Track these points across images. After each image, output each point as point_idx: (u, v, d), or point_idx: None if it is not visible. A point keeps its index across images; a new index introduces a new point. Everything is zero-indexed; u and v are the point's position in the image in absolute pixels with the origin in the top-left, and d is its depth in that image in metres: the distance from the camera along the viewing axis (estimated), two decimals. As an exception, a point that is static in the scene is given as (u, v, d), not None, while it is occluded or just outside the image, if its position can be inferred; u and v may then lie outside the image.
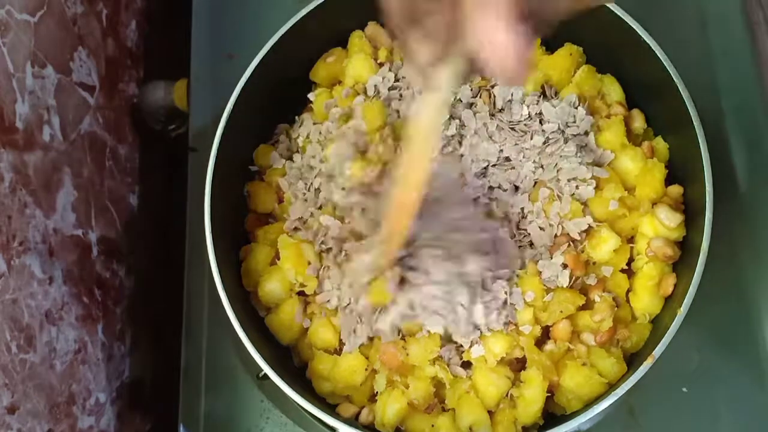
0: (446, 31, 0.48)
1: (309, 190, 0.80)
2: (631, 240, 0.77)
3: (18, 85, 0.73)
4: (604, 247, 0.74)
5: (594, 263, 0.76)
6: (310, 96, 0.85)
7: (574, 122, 0.78)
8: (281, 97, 0.84)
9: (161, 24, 1.08)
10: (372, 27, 0.84)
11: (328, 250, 0.77)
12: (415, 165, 0.63)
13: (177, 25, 1.00)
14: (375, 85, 0.81)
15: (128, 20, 1.01)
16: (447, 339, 0.74)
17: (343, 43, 0.85)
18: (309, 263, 0.76)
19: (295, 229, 0.79)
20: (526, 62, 0.44)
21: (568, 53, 0.81)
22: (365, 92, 0.81)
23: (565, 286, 0.73)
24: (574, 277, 0.74)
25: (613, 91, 0.81)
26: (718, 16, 0.92)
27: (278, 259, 0.76)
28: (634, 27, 0.75)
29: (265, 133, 0.86)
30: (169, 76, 0.99)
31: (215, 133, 0.77)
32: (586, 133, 0.78)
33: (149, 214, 1.01)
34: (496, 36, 0.43)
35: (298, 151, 0.84)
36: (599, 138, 0.78)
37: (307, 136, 0.83)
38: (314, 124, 0.84)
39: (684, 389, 0.81)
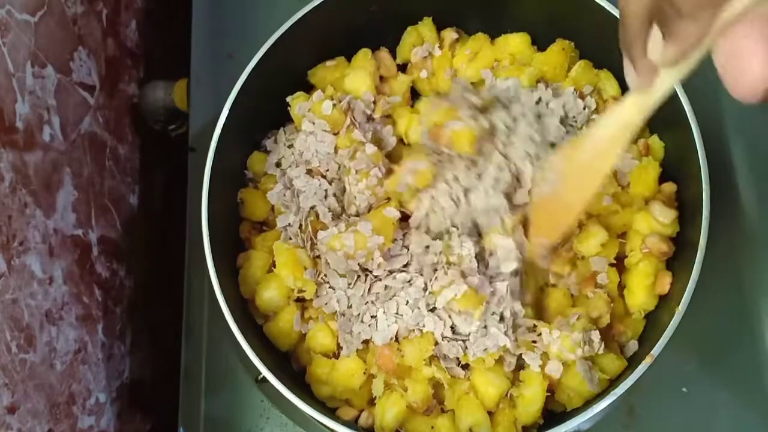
0: (694, 35, 0.49)
1: (293, 202, 0.79)
2: (621, 236, 0.78)
3: (18, 85, 0.73)
4: (592, 241, 0.74)
5: (582, 258, 0.76)
6: (288, 99, 0.83)
7: (573, 117, 0.78)
8: (282, 98, 0.84)
9: (161, 24, 1.08)
10: (383, 52, 0.85)
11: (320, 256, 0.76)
12: (599, 166, 0.62)
13: (177, 25, 1.00)
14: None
15: (128, 20, 1.01)
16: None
17: (343, 43, 0.85)
18: (305, 268, 0.76)
19: (289, 238, 0.79)
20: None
21: (560, 48, 0.81)
22: (348, 105, 0.80)
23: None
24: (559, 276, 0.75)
25: (610, 86, 0.82)
26: (718, 16, 0.92)
27: (275, 266, 0.76)
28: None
29: (265, 135, 0.86)
30: (169, 76, 0.99)
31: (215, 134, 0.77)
32: (582, 128, 0.78)
33: (149, 214, 1.01)
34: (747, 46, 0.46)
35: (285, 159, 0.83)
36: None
37: (290, 146, 0.83)
38: (297, 131, 0.83)
39: (684, 389, 0.81)
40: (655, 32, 0.52)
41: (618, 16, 0.75)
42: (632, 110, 0.59)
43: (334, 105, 0.79)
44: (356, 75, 0.82)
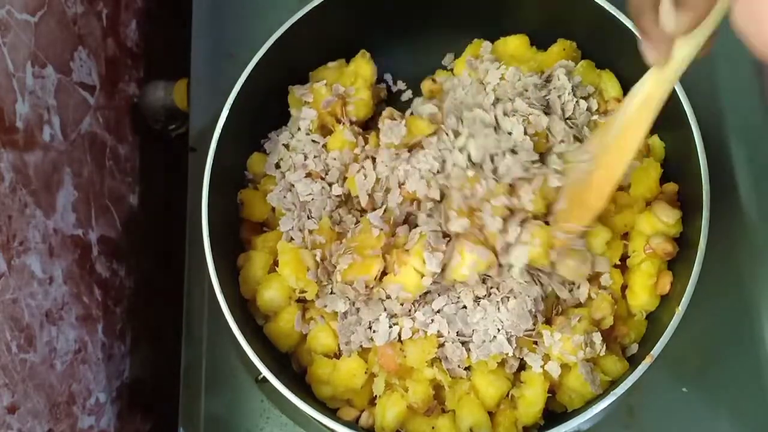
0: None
1: (295, 205, 0.79)
2: (623, 237, 0.77)
3: (18, 85, 0.73)
4: (597, 240, 0.74)
5: None
6: (290, 87, 0.83)
7: (574, 115, 0.78)
8: (282, 99, 0.84)
9: (161, 24, 1.08)
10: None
11: (323, 260, 0.76)
12: (625, 143, 0.62)
13: (177, 25, 1.00)
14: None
15: (128, 20, 1.01)
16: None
17: (343, 43, 0.85)
18: (308, 269, 0.75)
19: (291, 239, 0.79)
20: None
21: (561, 48, 0.81)
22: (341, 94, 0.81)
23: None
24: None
25: (611, 86, 0.81)
26: (718, 16, 0.92)
27: (277, 266, 0.76)
28: (628, 26, 0.75)
29: (265, 135, 0.86)
30: (169, 76, 0.99)
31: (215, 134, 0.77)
32: (583, 127, 0.78)
33: (149, 214, 1.01)
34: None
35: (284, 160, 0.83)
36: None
37: (288, 147, 0.83)
38: (292, 118, 0.83)
39: (684, 389, 0.81)
40: (665, 1, 0.51)
41: (617, 16, 0.75)
42: (654, 85, 0.58)
43: (326, 85, 0.81)
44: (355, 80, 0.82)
